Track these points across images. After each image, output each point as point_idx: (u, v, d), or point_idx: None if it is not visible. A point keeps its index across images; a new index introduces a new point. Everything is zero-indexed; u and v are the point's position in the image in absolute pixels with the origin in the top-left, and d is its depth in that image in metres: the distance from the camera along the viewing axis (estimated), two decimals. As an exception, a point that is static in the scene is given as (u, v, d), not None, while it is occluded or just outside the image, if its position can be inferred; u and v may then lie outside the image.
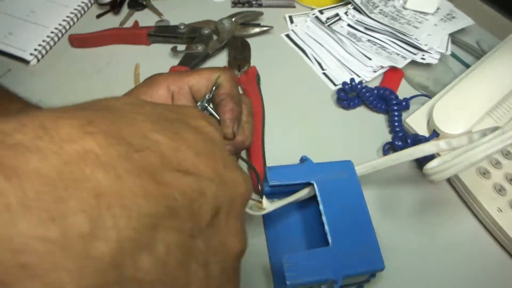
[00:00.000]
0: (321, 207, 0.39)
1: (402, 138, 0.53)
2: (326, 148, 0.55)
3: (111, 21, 0.73)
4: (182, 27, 0.67)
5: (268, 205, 0.40)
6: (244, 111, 0.43)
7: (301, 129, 0.58)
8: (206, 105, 0.40)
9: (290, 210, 0.45)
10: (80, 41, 0.68)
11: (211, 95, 0.40)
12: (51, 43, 0.68)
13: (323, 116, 0.59)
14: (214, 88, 0.40)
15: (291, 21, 0.72)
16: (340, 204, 0.40)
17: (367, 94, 0.56)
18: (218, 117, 0.39)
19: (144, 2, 0.76)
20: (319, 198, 0.40)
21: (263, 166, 0.50)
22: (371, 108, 0.59)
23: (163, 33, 0.67)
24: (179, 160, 0.20)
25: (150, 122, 0.21)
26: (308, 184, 0.41)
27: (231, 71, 0.43)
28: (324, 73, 0.65)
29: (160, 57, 0.67)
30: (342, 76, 0.64)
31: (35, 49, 0.65)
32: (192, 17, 0.70)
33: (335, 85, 0.63)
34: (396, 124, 0.55)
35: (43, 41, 0.66)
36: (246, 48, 0.66)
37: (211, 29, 0.66)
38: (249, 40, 0.68)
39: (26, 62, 0.65)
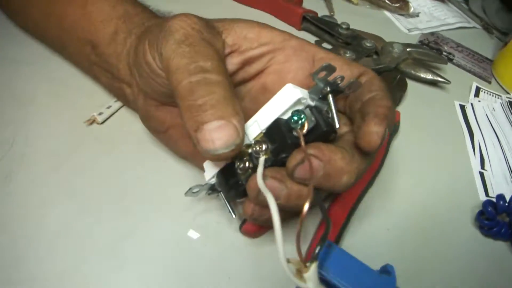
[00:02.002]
0: None
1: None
2: (433, 269, 0.36)
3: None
4: (344, 26, 0.53)
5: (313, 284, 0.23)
6: None
7: (411, 223, 0.39)
8: (329, 89, 0.26)
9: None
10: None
11: (346, 87, 0.27)
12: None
13: (452, 226, 0.40)
14: (354, 80, 0.27)
15: (476, 94, 0.53)
16: None
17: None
18: (335, 115, 0.26)
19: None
20: None
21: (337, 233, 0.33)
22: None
23: (321, 23, 0.54)
24: None
25: None
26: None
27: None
28: (481, 173, 0.45)
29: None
30: (501, 189, 0.43)
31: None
32: (360, 28, 0.56)
33: (487, 195, 0.43)
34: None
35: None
36: (401, 88, 0.49)
37: (375, 45, 0.51)
38: (411, 82, 0.51)
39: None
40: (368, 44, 0.51)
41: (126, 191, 0.35)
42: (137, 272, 0.30)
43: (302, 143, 0.24)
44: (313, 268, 0.21)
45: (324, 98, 0.27)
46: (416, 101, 0.50)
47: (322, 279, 0.24)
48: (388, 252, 0.36)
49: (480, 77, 0.57)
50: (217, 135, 0.23)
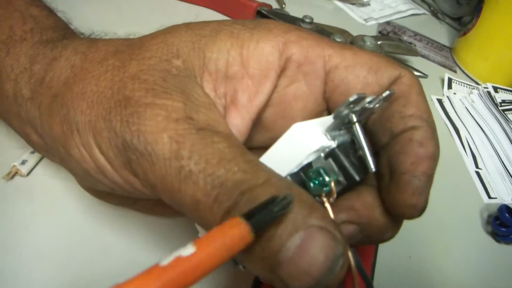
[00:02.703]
0: None
1: None
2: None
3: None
4: (307, 20, 0.46)
5: None
6: None
7: (424, 242, 0.34)
8: (355, 119, 0.18)
9: None
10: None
11: (375, 105, 0.19)
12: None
13: (465, 236, 0.35)
14: (387, 95, 0.19)
15: (449, 86, 0.50)
16: None
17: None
18: (368, 155, 0.18)
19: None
20: None
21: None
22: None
23: (279, 19, 0.47)
24: None
25: None
26: None
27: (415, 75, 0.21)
28: (477, 173, 0.41)
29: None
30: (500, 187, 0.40)
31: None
32: (315, 21, 0.50)
33: (489, 197, 0.39)
34: None
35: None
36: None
37: (345, 39, 0.45)
38: (386, 80, 0.46)
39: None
40: (338, 40, 0.45)
41: (76, 266, 0.25)
42: None
43: (331, 215, 0.17)
44: None
45: (346, 127, 0.19)
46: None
47: None
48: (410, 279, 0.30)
49: (445, 66, 0.53)
50: (306, 259, 0.14)
